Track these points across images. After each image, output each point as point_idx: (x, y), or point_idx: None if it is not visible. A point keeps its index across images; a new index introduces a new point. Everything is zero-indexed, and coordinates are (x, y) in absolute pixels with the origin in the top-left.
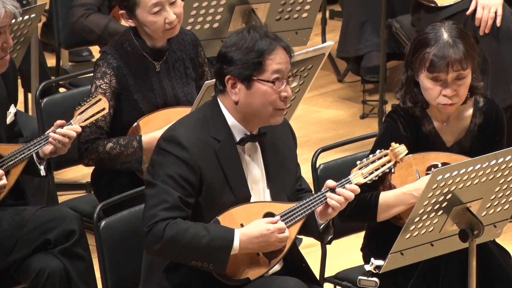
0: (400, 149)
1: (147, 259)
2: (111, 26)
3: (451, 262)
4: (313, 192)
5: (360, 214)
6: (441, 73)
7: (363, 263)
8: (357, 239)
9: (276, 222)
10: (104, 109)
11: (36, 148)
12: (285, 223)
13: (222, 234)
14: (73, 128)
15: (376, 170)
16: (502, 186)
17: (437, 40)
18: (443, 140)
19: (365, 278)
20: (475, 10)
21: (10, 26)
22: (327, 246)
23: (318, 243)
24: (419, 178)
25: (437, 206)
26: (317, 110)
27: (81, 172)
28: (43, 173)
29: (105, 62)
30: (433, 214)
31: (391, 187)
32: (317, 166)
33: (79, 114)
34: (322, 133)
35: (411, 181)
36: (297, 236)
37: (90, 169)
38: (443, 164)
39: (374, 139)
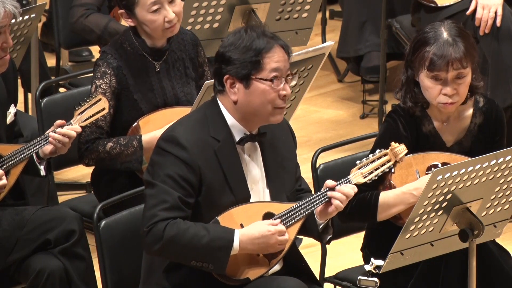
0: (400, 148)
1: (147, 259)
2: (111, 26)
3: (451, 262)
4: (312, 192)
5: (360, 213)
6: (441, 72)
7: (363, 263)
8: (357, 239)
9: (276, 225)
10: (104, 109)
11: (36, 148)
12: (285, 223)
13: (222, 234)
14: (73, 128)
15: (376, 169)
16: (502, 186)
17: (436, 39)
18: (443, 140)
19: (365, 278)
20: (475, 10)
21: (10, 26)
22: (327, 246)
23: (318, 243)
24: (419, 178)
25: (437, 206)
26: (317, 110)
27: (81, 172)
28: (43, 173)
29: (105, 62)
30: (433, 214)
31: (391, 187)
32: (317, 166)
33: (79, 114)
34: (322, 133)
35: (411, 181)
36: (297, 236)
37: (90, 169)
38: (443, 164)
39: (374, 139)
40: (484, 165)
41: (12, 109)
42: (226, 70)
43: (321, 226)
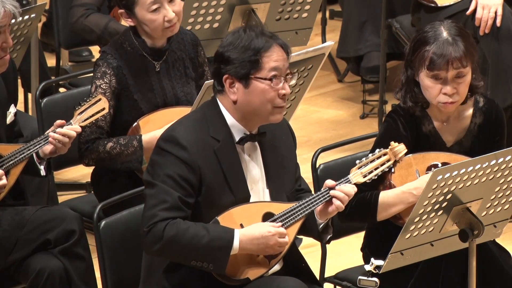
0: (399, 148)
1: (147, 259)
2: (111, 26)
3: (451, 262)
4: (312, 192)
5: (360, 213)
6: (441, 71)
7: (363, 263)
8: (357, 239)
9: (278, 227)
10: (104, 109)
11: (36, 148)
12: (285, 223)
13: (222, 234)
14: (73, 128)
15: (376, 169)
16: (502, 186)
17: (436, 38)
18: (443, 140)
19: (365, 278)
20: (475, 10)
21: (10, 26)
22: (327, 246)
23: (318, 243)
24: (419, 177)
25: (437, 206)
26: (317, 110)
27: (81, 172)
28: (43, 173)
29: (105, 62)
30: (433, 214)
31: (391, 186)
32: (317, 166)
33: (79, 114)
34: (322, 133)
35: (411, 181)
36: (297, 236)
37: (90, 169)
38: (443, 164)
39: (374, 139)
40: (484, 165)
41: (12, 109)
42: (225, 70)
43: (321, 226)
